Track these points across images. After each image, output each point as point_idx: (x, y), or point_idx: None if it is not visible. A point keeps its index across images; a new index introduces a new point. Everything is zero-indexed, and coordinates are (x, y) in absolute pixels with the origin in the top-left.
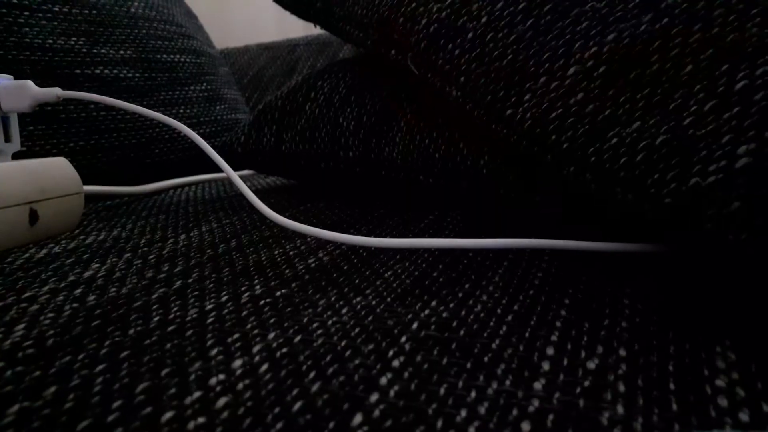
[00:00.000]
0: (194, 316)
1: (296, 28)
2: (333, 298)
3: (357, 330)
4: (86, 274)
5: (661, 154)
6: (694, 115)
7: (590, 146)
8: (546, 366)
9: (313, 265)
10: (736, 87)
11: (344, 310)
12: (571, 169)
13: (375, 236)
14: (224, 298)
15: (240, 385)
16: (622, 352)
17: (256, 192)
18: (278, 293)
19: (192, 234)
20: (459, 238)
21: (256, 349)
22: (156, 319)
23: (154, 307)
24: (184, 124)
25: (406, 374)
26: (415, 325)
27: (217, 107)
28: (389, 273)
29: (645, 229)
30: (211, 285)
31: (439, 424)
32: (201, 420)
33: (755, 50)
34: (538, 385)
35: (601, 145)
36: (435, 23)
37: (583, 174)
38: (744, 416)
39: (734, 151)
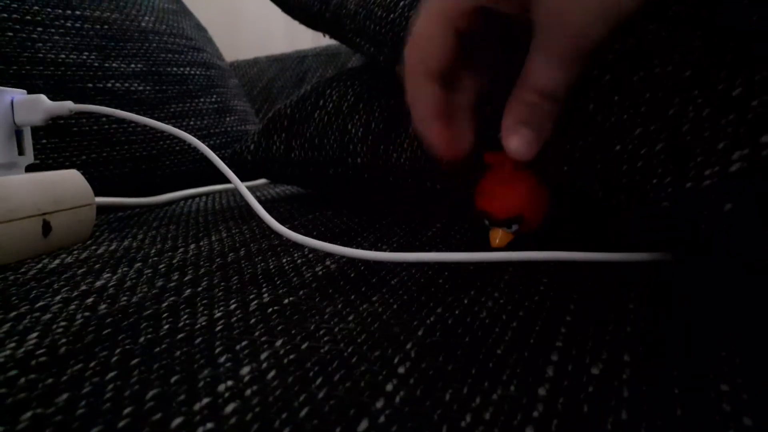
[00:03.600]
0: (203, 323)
1: (305, 41)
2: (340, 305)
3: (363, 336)
4: (98, 284)
5: (660, 160)
6: (691, 122)
7: (597, 154)
8: (550, 371)
9: (320, 272)
10: (734, 93)
11: (351, 317)
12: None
13: (379, 245)
14: (233, 306)
15: (248, 392)
16: (627, 358)
17: (266, 201)
18: (286, 301)
19: (202, 243)
20: (462, 252)
21: (264, 355)
22: (166, 327)
23: (164, 315)
24: (195, 135)
25: (411, 380)
26: (420, 332)
27: (227, 119)
28: (395, 280)
29: (648, 238)
30: (220, 293)
31: (444, 429)
32: (210, 425)
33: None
34: (542, 391)
35: (607, 153)
36: None
37: (593, 184)
38: (748, 421)
39: (729, 156)
